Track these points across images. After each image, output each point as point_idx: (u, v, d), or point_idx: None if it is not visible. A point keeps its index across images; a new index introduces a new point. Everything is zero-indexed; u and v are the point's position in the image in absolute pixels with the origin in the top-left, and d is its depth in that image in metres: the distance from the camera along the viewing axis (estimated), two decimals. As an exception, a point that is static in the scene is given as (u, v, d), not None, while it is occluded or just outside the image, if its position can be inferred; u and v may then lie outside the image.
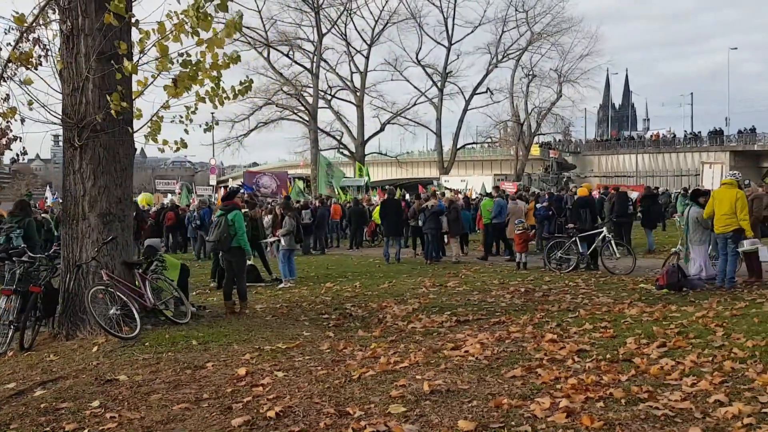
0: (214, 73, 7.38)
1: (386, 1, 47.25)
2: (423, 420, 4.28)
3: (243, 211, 10.45)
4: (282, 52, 47.00)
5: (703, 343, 5.96)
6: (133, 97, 7.37)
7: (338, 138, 50.94)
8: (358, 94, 49.60)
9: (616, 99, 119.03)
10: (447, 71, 51.10)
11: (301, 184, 34.85)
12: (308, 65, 47.26)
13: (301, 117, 48.51)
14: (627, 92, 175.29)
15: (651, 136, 57.64)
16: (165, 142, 7.19)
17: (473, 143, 57.89)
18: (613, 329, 6.84)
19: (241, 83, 7.96)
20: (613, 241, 11.43)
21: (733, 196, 9.51)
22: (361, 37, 48.94)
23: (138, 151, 8.98)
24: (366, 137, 50.80)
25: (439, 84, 51.03)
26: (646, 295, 9.13)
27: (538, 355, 5.87)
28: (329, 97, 50.07)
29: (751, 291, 8.94)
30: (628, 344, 6.08)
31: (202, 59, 7.31)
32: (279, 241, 11.69)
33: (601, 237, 11.57)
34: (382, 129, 52.00)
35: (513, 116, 51.01)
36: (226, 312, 8.48)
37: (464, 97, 51.80)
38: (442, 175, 50.35)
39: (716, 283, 9.63)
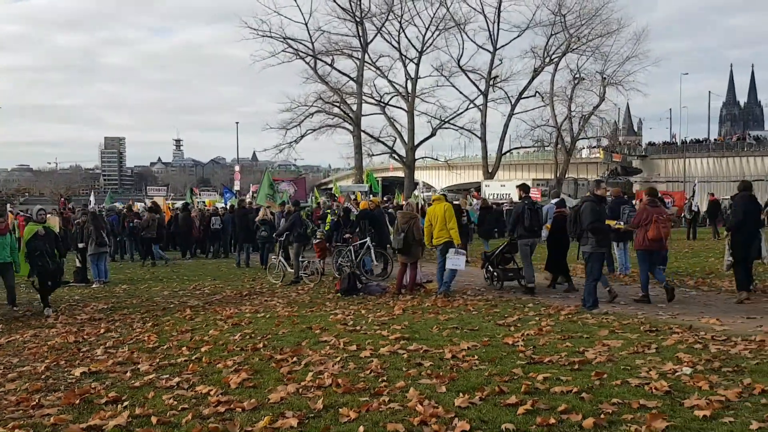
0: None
1: (436, 10, 48.41)
2: None
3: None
4: (325, 62, 49.80)
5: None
6: None
7: (389, 145, 52.93)
8: (409, 100, 51.23)
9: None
10: (492, 76, 51.30)
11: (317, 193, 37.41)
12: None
13: (350, 122, 51.05)
14: (753, 89, 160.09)
15: (715, 139, 53.95)
16: None
17: (521, 147, 57.39)
18: (203, 323, 8.52)
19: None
20: (372, 250, 12.57)
21: (442, 209, 10.48)
22: (411, 45, 50.54)
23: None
24: (417, 142, 52.33)
25: (483, 89, 51.32)
26: (320, 298, 10.50)
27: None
28: (383, 104, 52.06)
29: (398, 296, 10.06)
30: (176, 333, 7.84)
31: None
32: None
33: (365, 246, 12.77)
34: (433, 134, 53.16)
35: (551, 120, 50.14)
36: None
37: (510, 102, 51.79)
38: (485, 180, 50.81)
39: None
